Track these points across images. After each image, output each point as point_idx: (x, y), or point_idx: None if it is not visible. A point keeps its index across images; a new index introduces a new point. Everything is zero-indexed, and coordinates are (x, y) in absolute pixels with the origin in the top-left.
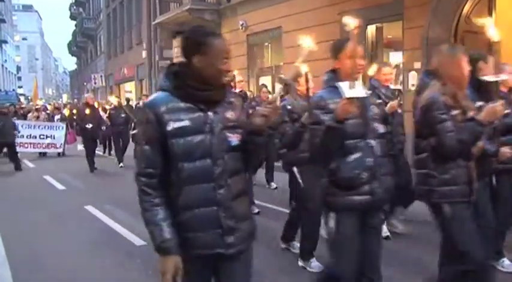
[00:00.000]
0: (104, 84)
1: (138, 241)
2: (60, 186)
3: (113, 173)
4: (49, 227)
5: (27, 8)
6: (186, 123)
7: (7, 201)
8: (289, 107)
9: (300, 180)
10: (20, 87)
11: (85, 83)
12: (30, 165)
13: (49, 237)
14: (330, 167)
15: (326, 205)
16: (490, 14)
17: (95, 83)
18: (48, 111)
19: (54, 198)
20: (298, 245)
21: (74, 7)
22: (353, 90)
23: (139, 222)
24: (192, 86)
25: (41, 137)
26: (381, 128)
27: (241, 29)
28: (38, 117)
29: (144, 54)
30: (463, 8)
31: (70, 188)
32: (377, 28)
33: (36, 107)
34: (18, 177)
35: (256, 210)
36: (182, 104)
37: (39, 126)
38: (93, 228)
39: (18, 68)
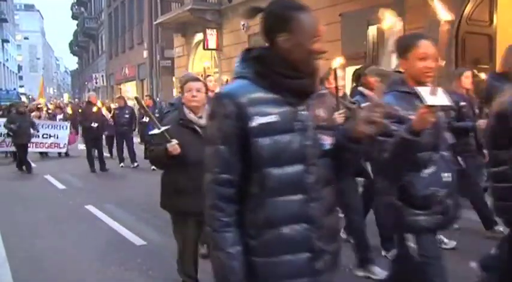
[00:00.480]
0: (105, 83)
1: (138, 241)
2: (61, 186)
3: (114, 173)
4: (49, 227)
5: (29, 7)
6: (273, 118)
7: (7, 200)
8: None
9: None
10: (22, 86)
11: (86, 83)
12: (32, 164)
13: (49, 237)
14: (401, 183)
15: (398, 226)
16: (491, 15)
17: (96, 83)
18: (49, 111)
19: (55, 197)
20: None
21: (76, 7)
22: (435, 97)
23: (140, 222)
24: (278, 73)
25: (44, 136)
26: (449, 138)
27: (243, 29)
28: (39, 117)
29: (145, 54)
30: (465, 9)
31: (71, 188)
32: (378, 29)
33: (38, 105)
34: (19, 176)
35: None
36: (268, 95)
37: (42, 125)
38: (94, 228)
39: (20, 67)
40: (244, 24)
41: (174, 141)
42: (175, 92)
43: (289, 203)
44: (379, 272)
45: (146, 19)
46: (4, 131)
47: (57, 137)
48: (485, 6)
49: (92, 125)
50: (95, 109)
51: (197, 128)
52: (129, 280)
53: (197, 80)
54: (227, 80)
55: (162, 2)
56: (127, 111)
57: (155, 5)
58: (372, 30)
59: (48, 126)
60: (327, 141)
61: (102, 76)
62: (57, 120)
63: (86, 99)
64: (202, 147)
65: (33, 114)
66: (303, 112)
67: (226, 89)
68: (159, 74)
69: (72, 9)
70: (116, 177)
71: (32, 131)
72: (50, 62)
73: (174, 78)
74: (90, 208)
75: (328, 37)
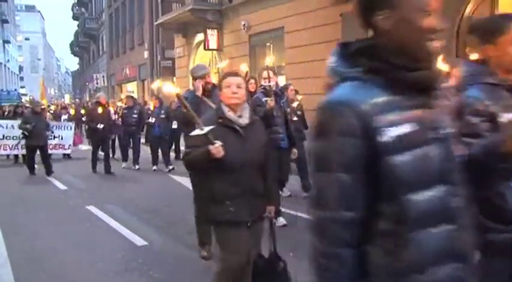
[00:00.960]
0: (105, 84)
1: (139, 241)
2: (62, 187)
3: (116, 173)
4: (51, 227)
5: (30, 8)
6: (408, 127)
7: (9, 201)
8: None
9: None
10: (22, 87)
11: (87, 83)
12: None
13: (51, 238)
14: (487, 194)
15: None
16: (493, 14)
17: (97, 83)
18: (51, 111)
19: (57, 198)
20: None
21: (76, 7)
22: None
23: (141, 223)
24: (398, 66)
25: (49, 137)
26: None
27: (243, 29)
28: (44, 118)
29: (146, 54)
30: (466, 8)
31: (72, 188)
32: None
33: (42, 107)
34: (21, 177)
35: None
36: (391, 97)
37: None
38: (95, 228)
39: (21, 68)
40: (244, 24)
41: (218, 143)
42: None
43: (435, 238)
44: None
45: (147, 19)
46: (18, 133)
47: (62, 138)
48: (486, 6)
49: (98, 126)
50: (100, 110)
51: (238, 128)
52: (130, 280)
53: (236, 75)
54: (246, 73)
55: (162, 3)
56: (135, 111)
57: (156, 6)
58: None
59: (52, 127)
60: (460, 152)
61: (103, 76)
62: (62, 120)
63: (95, 100)
64: (244, 148)
65: None
66: (437, 116)
67: (339, 96)
68: (160, 74)
69: (72, 9)
70: (117, 178)
71: (46, 132)
72: (50, 63)
73: (175, 79)
74: (91, 209)
75: (329, 37)
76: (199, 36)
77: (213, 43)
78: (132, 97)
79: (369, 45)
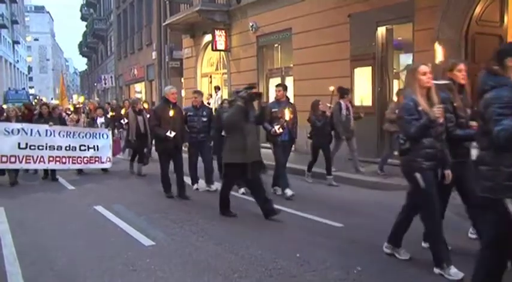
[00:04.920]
0: (113, 84)
1: (147, 241)
2: (70, 187)
3: (123, 174)
4: (58, 227)
5: (39, 9)
6: None
7: (17, 200)
8: None
9: None
10: (31, 87)
11: (95, 84)
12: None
13: (58, 237)
14: None
15: None
16: (502, 16)
17: (105, 84)
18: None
19: (65, 198)
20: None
21: (85, 8)
22: None
23: (149, 223)
24: None
25: (82, 148)
26: None
27: (251, 30)
28: (77, 121)
29: (154, 55)
30: (474, 9)
31: (80, 189)
32: (387, 30)
33: (77, 106)
34: (29, 177)
35: None
36: None
37: (79, 134)
38: (102, 228)
39: (30, 68)
40: (252, 25)
41: None
42: (184, 93)
43: None
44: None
45: (155, 20)
46: (45, 142)
47: (97, 149)
48: (495, 7)
49: (168, 134)
50: (171, 113)
51: None
52: (137, 280)
53: None
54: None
55: (170, 4)
56: (204, 113)
57: (164, 7)
58: (381, 31)
59: (85, 135)
60: None
61: (111, 77)
62: (99, 125)
63: (163, 96)
64: None
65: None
66: None
67: None
68: (168, 75)
69: (81, 10)
70: (125, 178)
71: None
72: (59, 63)
73: (182, 79)
74: (99, 209)
75: (337, 38)
76: (207, 37)
77: (220, 44)
78: (201, 93)
79: None
